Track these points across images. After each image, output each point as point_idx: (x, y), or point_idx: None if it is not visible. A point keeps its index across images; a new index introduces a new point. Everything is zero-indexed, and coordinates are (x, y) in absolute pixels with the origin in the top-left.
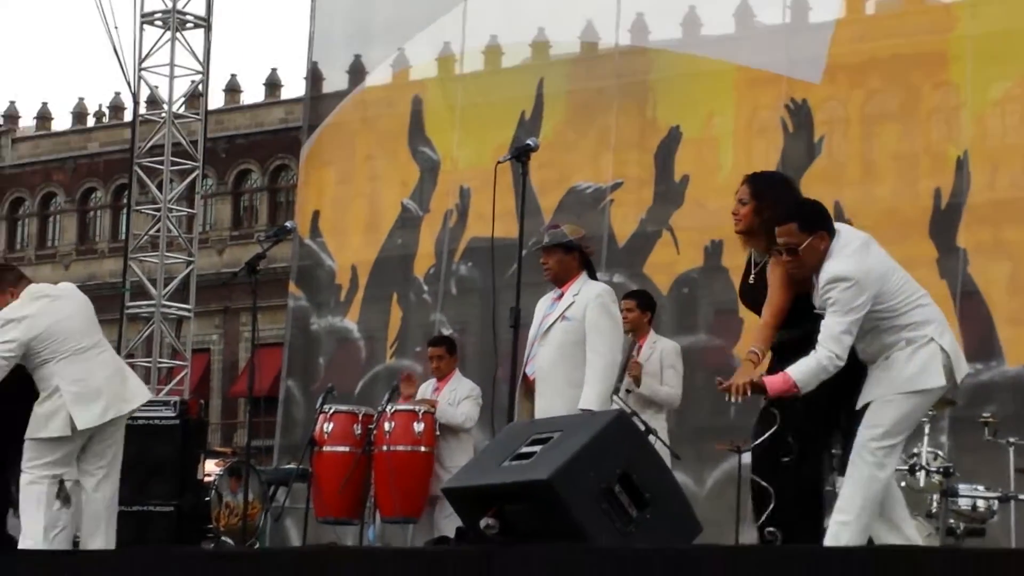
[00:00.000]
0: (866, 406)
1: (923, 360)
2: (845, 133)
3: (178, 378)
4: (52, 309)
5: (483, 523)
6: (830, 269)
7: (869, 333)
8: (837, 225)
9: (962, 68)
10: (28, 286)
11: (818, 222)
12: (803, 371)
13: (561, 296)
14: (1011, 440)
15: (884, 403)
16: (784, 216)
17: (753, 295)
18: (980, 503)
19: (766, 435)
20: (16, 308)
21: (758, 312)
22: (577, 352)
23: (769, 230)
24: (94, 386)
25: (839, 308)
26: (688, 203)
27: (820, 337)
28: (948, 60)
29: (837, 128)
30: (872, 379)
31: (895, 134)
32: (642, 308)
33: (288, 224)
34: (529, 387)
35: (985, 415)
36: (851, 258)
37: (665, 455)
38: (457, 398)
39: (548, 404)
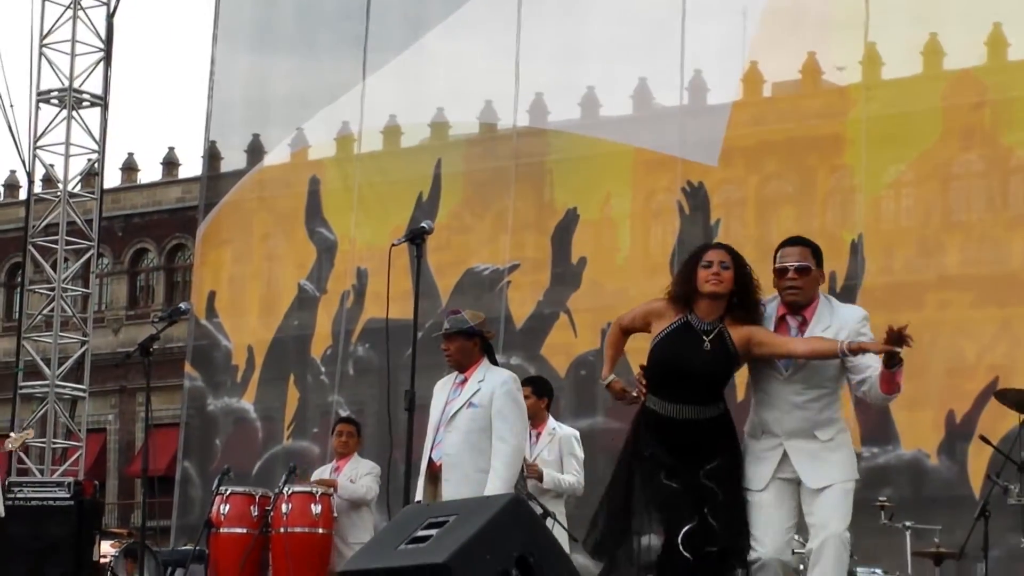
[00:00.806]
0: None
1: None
2: (741, 216)
3: (73, 458)
4: None
5: None
6: (859, 310)
7: (828, 398)
8: None
9: (857, 151)
10: None
11: (822, 262)
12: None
13: (465, 382)
14: (907, 524)
15: (846, 491)
16: (798, 241)
17: (713, 362)
18: None
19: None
20: None
21: (717, 378)
22: (483, 439)
23: (741, 296)
24: None
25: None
26: (585, 284)
27: None
28: (843, 143)
29: (733, 211)
30: (821, 459)
31: (791, 217)
32: (538, 395)
33: (182, 305)
34: (434, 472)
35: (881, 499)
36: None
37: (564, 539)
38: (358, 475)
39: (455, 490)
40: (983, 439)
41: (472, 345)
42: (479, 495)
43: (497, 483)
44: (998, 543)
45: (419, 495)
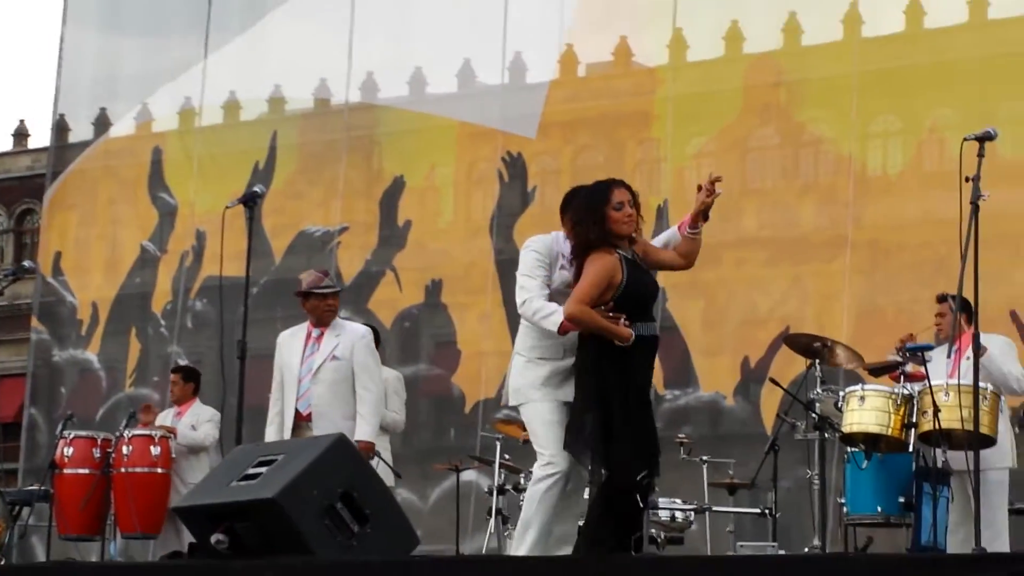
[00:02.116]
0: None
1: None
2: (556, 184)
3: None
4: None
5: (214, 539)
6: None
7: None
8: None
9: (663, 126)
10: None
11: None
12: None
13: (321, 336)
14: (704, 458)
15: None
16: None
17: (655, 283)
18: (678, 515)
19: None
20: None
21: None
22: (347, 389)
23: None
24: None
25: None
26: (410, 246)
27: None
28: (651, 119)
29: (549, 179)
30: None
31: None
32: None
33: (26, 263)
34: (301, 421)
35: (681, 436)
36: None
37: (388, 475)
38: (199, 422)
39: None
40: (773, 381)
41: (332, 309)
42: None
43: (366, 428)
44: (786, 475)
45: (269, 438)
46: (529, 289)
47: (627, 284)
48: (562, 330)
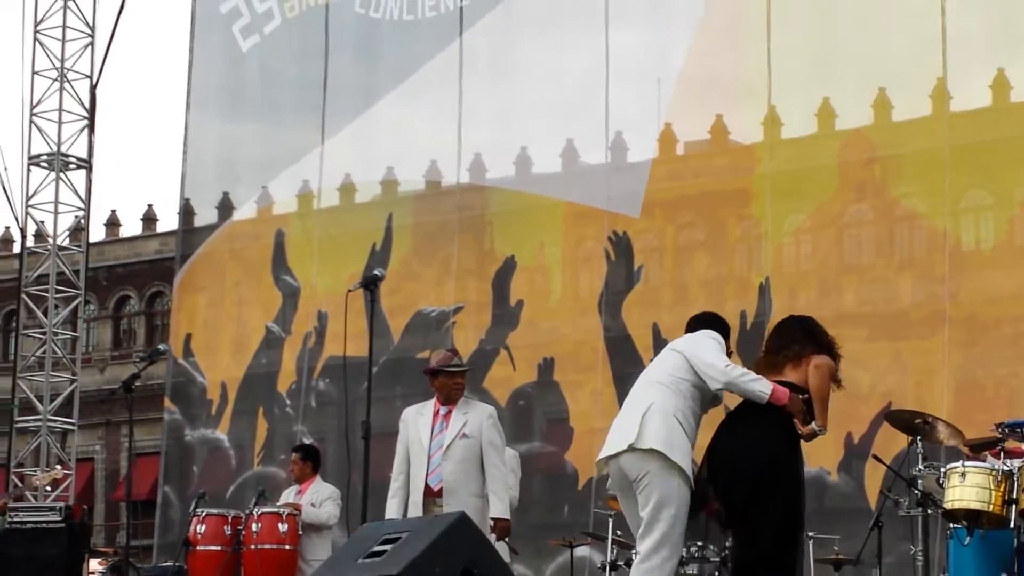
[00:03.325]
0: None
1: None
2: (661, 262)
3: (64, 485)
4: None
5: None
6: None
7: None
8: None
9: (762, 203)
10: None
11: None
12: None
13: (449, 414)
14: (810, 534)
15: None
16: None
17: None
18: None
19: None
20: None
21: None
22: (475, 467)
23: None
24: None
25: None
26: (523, 324)
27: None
28: (750, 196)
29: (653, 257)
30: None
31: (704, 263)
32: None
33: (161, 347)
34: (431, 495)
35: None
36: None
37: (505, 551)
38: (320, 499)
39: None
40: (876, 458)
41: (460, 387)
42: (476, 517)
43: (500, 506)
44: (891, 551)
45: (389, 515)
46: (724, 360)
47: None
48: (771, 398)
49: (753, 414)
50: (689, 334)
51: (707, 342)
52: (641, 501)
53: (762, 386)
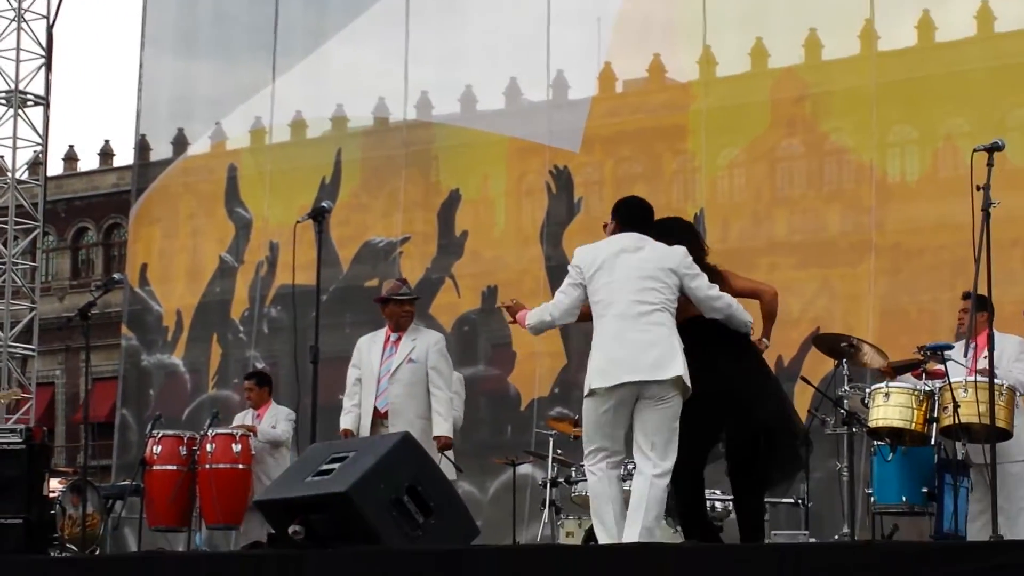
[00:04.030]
0: None
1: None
2: (600, 194)
3: (24, 409)
4: None
5: (291, 530)
6: None
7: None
8: None
9: (697, 138)
10: None
11: None
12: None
13: (399, 340)
14: None
15: None
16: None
17: None
18: (718, 505)
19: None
20: None
21: None
22: (421, 390)
23: None
24: None
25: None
26: (467, 254)
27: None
28: (686, 132)
29: (593, 190)
30: None
31: (642, 194)
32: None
33: (117, 276)
34: (379, 418)
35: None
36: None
37: (450, 469)
38: (277, 420)
39: None
40: (804, 379)
41: (411, 313)
42: (420, 437)
43: (444, 425)
44: (818, 466)
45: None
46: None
47: None
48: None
49: (731, 339)
50: (675, 250)
51: (702, 274)
52: (658, 418)
53: (747, 316)
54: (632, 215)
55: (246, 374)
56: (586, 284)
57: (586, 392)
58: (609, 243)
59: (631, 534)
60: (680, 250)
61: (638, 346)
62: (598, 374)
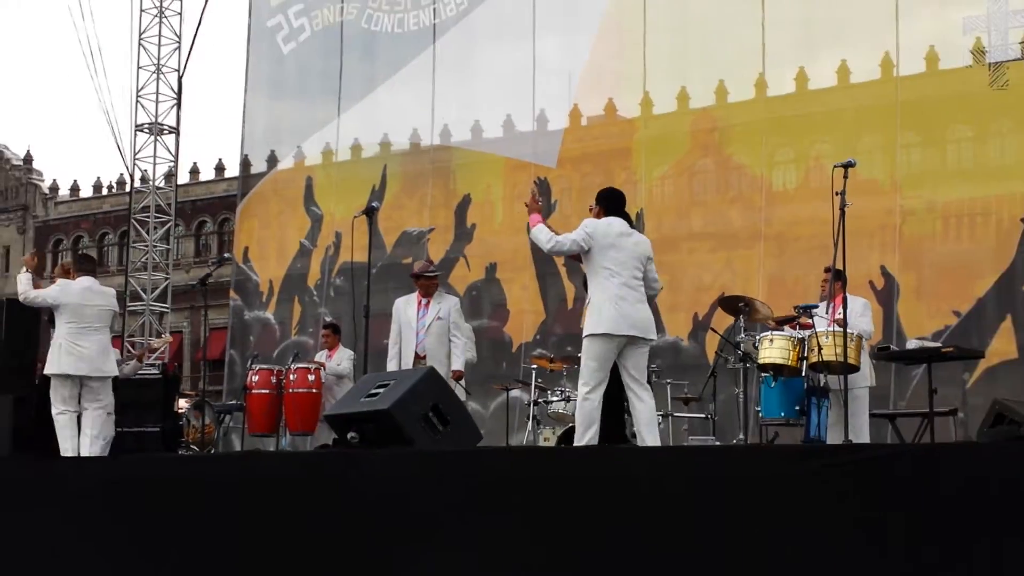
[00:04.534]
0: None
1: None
2: (570, 198)
3: (160, 350)
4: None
5: (349, 436)
6: None
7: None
8: None
9: (639, 158)
10: (81, 277)
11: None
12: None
13: (428, 303)
14: (669, 381)
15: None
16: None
17: None
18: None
19: None
20: (64, 283)
21: None
22: (445, 339)
23: None
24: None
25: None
26: (475, 240)
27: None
28: (631, 154)
29: (565, 195)
30: None
31: None
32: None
33: (226, 255)
34: (419, 360)
35: (653, 366)
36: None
37: (462, 393)
38: (343, 359)
39: None
40: (712, 330)
41: (436, 283)
42: (446, 372)
43: (458, 362)
44: (721, 391)
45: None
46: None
47: None
48: None
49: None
50: (647, 242)
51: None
52: (639, 361)
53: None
54: (616, 203)
55: (324, 323)
56: (589, 248)
57: (597, 333)
58: (610, 224)
59: (653, 440)
60: (649, 243)
61: (637, 311)
62: (611, 323)
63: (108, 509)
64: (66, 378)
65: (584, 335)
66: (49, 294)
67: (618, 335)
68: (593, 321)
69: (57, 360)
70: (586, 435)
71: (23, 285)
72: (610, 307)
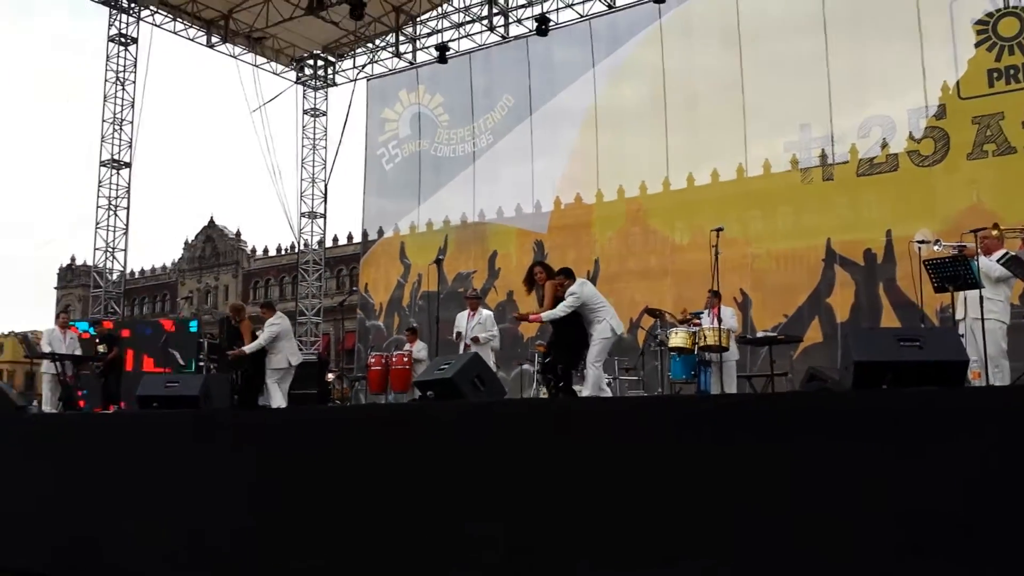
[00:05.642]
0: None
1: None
2: (554, 254)
3: (316, 344)
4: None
5: (428, 393)
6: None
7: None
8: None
9: (595, 229)
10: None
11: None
12: (549, 314)
13: (473, 314)
14: (617, 357)
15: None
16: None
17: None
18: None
19: (547, 359)
20: (276, 318)
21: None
22: (482, 335)
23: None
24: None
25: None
26: (500, 277)
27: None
28: (591, 226)
29: (554, 253)
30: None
31: (572, 255)
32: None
33: (354, 288)
34: (468, 346)
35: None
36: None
37: (494, 366)
38: (419, 349)
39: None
40: (641, 328)
41: (479, 302)
42: (487, 357)
43: (488, 348)
44: (647, 365)
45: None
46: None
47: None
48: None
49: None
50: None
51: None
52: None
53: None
54: (571, 272)
55: (407, 328)
56: (581, 303)
57: (607, 336)
58: (585, 285)
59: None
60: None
61: (618, 326)
62: (615, 330)
63: (289, 441)
64: (289, 368)
65: (599, 338)
66: (271, 332)
67: (620, 334)
68: (604, 329)
69: (285, 359)
70: (602, 390)
71: (253, 347)
72: (612, 323)
